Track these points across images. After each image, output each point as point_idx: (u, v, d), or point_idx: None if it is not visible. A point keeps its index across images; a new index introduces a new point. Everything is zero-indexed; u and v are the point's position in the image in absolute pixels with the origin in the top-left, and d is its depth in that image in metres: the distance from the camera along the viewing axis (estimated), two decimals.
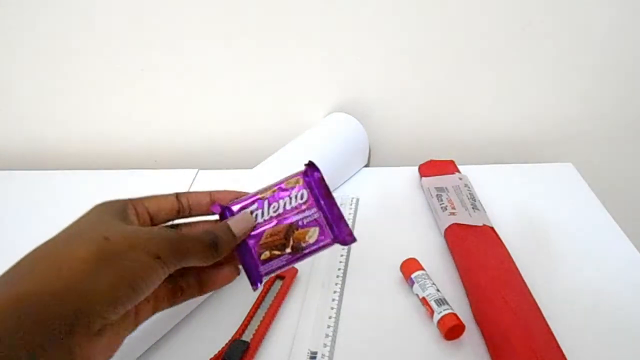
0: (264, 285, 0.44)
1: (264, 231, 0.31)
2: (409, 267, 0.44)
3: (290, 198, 0.32)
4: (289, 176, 0.33)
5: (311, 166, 0.33)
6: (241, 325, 0.40)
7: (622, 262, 0.46)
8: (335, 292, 0.44)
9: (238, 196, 0.33)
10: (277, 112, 0.64)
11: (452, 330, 0.38)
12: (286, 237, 0.32)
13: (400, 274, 0.45)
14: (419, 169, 0.58)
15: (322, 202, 0.31)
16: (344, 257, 0.48)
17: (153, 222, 0.33)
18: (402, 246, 0.48)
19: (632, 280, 0.44)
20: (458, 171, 0.57)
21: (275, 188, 0.33)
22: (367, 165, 0.63)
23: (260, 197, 0.33)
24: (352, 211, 0.54)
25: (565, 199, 0.55)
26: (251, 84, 0.62)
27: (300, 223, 0.31)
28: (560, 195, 0.56)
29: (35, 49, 0.60)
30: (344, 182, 0.59)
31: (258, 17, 0.56)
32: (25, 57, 0.61)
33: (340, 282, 0.45)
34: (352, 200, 0.56)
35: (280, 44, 0.58)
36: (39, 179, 0.64)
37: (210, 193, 0.34)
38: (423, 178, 0.57)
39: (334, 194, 0.56)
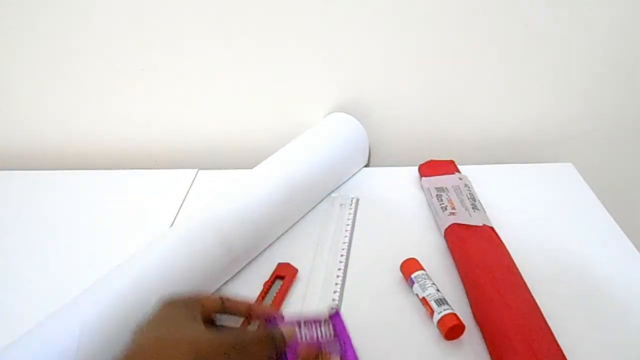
0: (264, 285, 0.44)
1: (299, 348, 0.35)
2: (409, 267, 0.44)
3: (320, 330, 0.36)
4: (318, 316, 0.37)
5: (335, 313, 0.37)
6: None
7: (622, 262, 0.46)
8: (335, 292, 0.44)
9: (272, 313, 0.37)
10: (277, 112, 0.64)
11: (452, 330, 0.38)
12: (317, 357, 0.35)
13: (400, 274, 0.45)
14: (419, 169, 0.58)
15: (342, 340, 0.36)
16: (344, 257, 0.48)
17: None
18: (402, 246, 0.48)
19: (632, 280, 0.44)
20: (458, 171, 0.57)
21: (309, 317, 0.37)
22: (367, 165, 0.63)
23: (297, 322, 0.36)
24: (352, 211, 0.54)
25: (565, 199, 0.55)
26: (251, 84, 0.62)
27: (328, 349, 0.36)
28: (560, 195, 0.56)
29: (35, 49, 0.60)
30: (344, 182, 0.59)
31: (258, 17, 0.56)
32: (25, 58, 0.61)
33: (340, 282, 0.45)
34: (352, 200, 0.56)
35: (280, 44, 0.58)
36: (39, 179, 0.64)
37: (250, 305, 0.37)
38: (423, 178, 0.57)
39: (334, 194, 0.57)
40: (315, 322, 0.36)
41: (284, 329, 0.35)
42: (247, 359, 0.31)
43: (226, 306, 0.36)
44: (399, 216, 0.54)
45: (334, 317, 0.37)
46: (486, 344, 0.38)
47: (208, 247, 0.43)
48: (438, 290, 0.41)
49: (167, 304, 0.33)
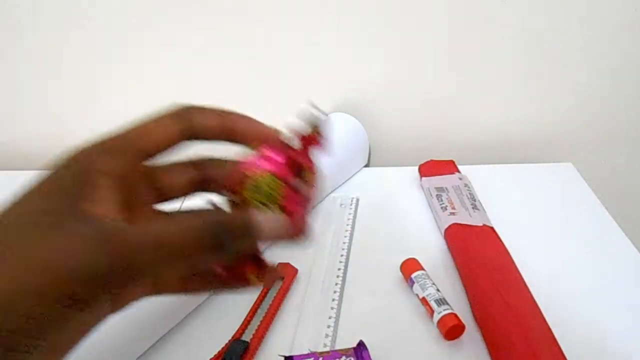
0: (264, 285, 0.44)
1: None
2: (409, 267, 0.44)
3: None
4: (343, 348, 0.36)
5: (361, 345, 0.36)
6: (241, 325, 0.40)
7: (622, 262, 0.46)
8: (335, 292, 0.44)
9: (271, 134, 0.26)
10: (278, 112, 0.64)
11: (452, 330, 0.38)
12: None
13: (400, 274, 0.45)
14: (419, 169, 0.58)
15: None
16: (344, 257, 0.48)
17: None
18: (402, 246, 0.48)
19: (632, 280, 0.44)
20: (458, 171, 0.57)
21: (330, 352, 0.35)
22: (367, 165, 0.63)
23: (318, 354, 0.34)
24: (352, 211, 0.54)
25: (565, 199, 0.55)
26: (251, 84, 0.62)
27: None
28: (560, 195, 0.56)
29: (35, 49, 0.60)
30: (344, 182, 0.59)
31: (258, 17, 0.56)
32: (25, 57, 0.61)
33: (340, 282, 0.45)
34: (352, 200, 0.56)
35: (280, 44, 0.58)
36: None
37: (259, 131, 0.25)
38: (423, 178, 0.57)
39: (334, 194, 0.57)
40: (338, 355, 0.35)
41: (263, 217, 0.22)
42: (120, 273, 0.19)
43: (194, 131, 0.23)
44: (399, 216, 0.54)
45: (358, 351, 0.36)
46: (486, 344, 0.38)
47: None
48: (438, 290, 0.41)
49: (59, 164, 0.22)
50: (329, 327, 0.40)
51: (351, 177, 0.60)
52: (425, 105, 0.63)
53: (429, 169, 0.57)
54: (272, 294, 0.43)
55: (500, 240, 0.46)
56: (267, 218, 0.23)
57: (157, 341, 0.40)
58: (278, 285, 0.45)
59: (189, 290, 0.26)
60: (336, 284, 0.45)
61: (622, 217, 0.52)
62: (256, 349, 0.39)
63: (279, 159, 0.24)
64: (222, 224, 0.21)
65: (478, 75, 0.60)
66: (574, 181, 0.58)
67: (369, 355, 0.36)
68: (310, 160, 0.25)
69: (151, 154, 0.23)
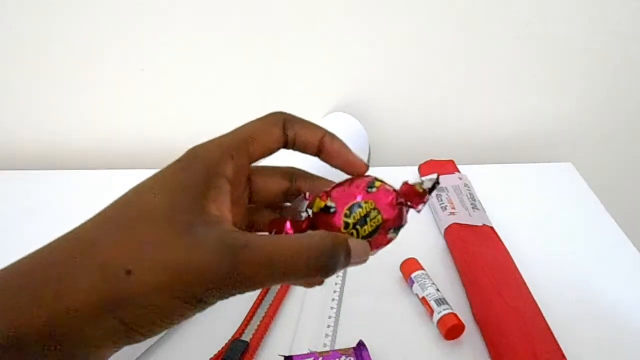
0: None
1: None
2: (409, 267, 0.44)
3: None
4: (344, 348, 0.36)
5: (361, 345, 0.36)
6: (241, 325, 0.40)
7: (622, 262, 0.46)
8: (335, 292, 0.44)
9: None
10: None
11: (452, 330, 0.38)
12: None
13: (400, 274, 0.45)
14: (419, 169, 0.58)
15: None
16: None
17: (252, 201, 0.25)
18: (402, 246, 0.48)
19: (632, 280, 0.44)
20: (458, 171, 0.57)
21: (330, 352, 0.35)
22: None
23: (318, 354, 0.35)
24: None
25: (565, 199, 0.55)
26: (251, 84, 0.62)
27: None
28: (560, 195, 0.56)
29: (34, 49, 0.60)
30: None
31: (258, 17, 0.56)
32: (25, 58, 0.61)
33: (340, 282, 0.45)
34: None
35: (281, 44, 0.58)
36: (39, 179, 0.64)
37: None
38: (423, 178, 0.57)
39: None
40: (338, 355, 0.35)
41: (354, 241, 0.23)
42: (235, 285, 0.20)
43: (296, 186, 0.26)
44: None
45: (358, 351, 0.36)
46: (486, 344, 0.38)
47: None
48: (438, 290, 0.41)
49: (181, 162, 0.23)
50: (329, 327, 0.40)
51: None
52: (425, 106, 0.63)
53: (429, 169, 0.57)
54: (272, 294, 0.43)
55: (500, 240, 0.46)
56: (357, 244, 0.24)
57: (158, 341, 0.40)
58: (278, 285, 0.45)
59: None
60: (336, 284, 0.45)
61: (622, 217, 0.52)
62: (256, 349, 0.39)
63: (389, 199, 0.26)
64: (328, 249, 0.22)
65: (478, 76, 0.60)
66: (574, 181, 0.58)
67: (368, 355, 0.36)
68: (402, 219, 0.27)
69: (257, 158, 0.25)
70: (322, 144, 0.27)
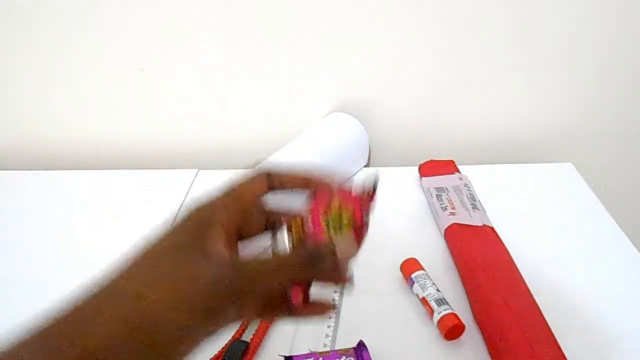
0: None
1: None
2: (409, 267, 0.44)
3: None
4: (344, 348, 0.37)
5: (361, 345, 0.37)
6: (241, 325, 0.40)
7: (622, 262, 0.46)
8: (335, 292, 0.44)
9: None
10: (278, 112, 0.64)
11: (452, 330, 0.38)
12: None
13: (400, 274, 0.45)
14: (419, 169, 0.58)
15: None
16: None
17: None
18: (402, 246, 0.48)
19: (632, 280, 0.44)
20: (458, 171, 0.57)
21: (330, 352, 0.36)
22: (367, 165, 0.63)
23: (318, 354, 0.36)
24: None
25: (565, 199, 0.55)
26: (251, 84, 0.62)
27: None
28: (560, 195, 0.56)
29: (34, 49, 0.60)
30: (344, 182, 0.59)
31: (258, 17, 0.56)
32: (25, 58, 0.61)
33: None
34: None
35: (281, 44, 0.58)
36: (39, 179, 0.64)
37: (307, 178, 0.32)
38: (423, 178, 0.57)
39: None
40: (338, 355, 0.35)
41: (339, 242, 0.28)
42: (245, 298, 0.24)
43: (276, 185, 0.30)
44: (399, 216, 0.54)
45: (359, 351, 0.36)
46: (486, 344, 0.38)
47: None
48: (438, 290, 0.41)
49: (183, 219, 0.27)
50: (329, 327, 0.40)
51: (351, 177, 0.60)
52: (425, 106, 0.63)
53: (429, 169, 0.57)
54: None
55: (500, 240, 0.46)
56: (341, 240, 0.29)
57: None
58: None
59: (265, 316, 0.32)
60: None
61: (622, 217, 0.52)
62: (256, 349, 0.39)
63: (356, 201, 0.31)
64: (310, 247, 0.28)
65: (478, 76, 0.60)
66: (574, 181, 0.58)
67: (368, 355, 0.36)
68: (368, 210, 0.32)
69: (247, 209, 0.30)
70: (303, 186, 0.32)
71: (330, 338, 0.39)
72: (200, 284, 0.24)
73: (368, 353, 0.36)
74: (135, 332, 0.22)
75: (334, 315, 0.41)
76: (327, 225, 0.30)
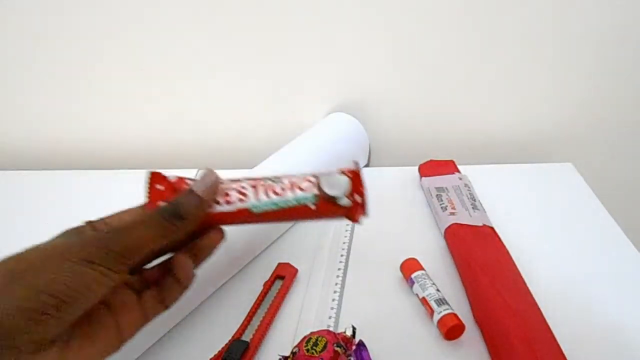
0: (264, 285, 0.44)
1: None
2: (409, 267, 0.44)
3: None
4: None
5: (361, 345, 0.37)
6: (241, 325, 0.40)
7: (622, 262, 0.46)
8: (335, 292, 0.44)
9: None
10: (278, 112, 0.64)
11: (452, 330, 0.38)
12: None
13: (400, 274, 0.45)
14: (419, 169, 0.58)
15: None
16: (344, 257, 0.48)
17: None
18: (402, 246, 0.48)
19: (632, 280, 0.44)
20: (458, 171, 0.57)
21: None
22: (367, 165, 0.63)
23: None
24: None
25: (565, 199, 0.55)
26: (251, 84, 0.62)
27: None
28: (560, 195, 0.56)
29: (34, 49, 0.60)
30: None
31: (258, 17, 0.56)
32: (24, 58, 0.61)
33: (340, 282, 0.45)
34: None
35: (281, 44, 0.58)
36: (39, 179, 0.64)
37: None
38: (423, 178, 0.57)
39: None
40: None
41: (196, 181, 0.29)
42: (121, 251, 0.26)
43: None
44: (399, 216, 0.54)
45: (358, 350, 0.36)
46: (486, 344, 0.38)
47: None
48: (438, 290, 0.41)
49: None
50: (329, 327, 0.40)
51: None
52: (425, 106, 0.63)
53: (429, 169, 0.57)
54: (272, 294, 0.43)
55: (500, 240, 0.46)
56: (196, 181, 0.30)
57: (158, 341, 0.40)
58: (278, 285, 0.45)
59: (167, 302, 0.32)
60: (336, 284, 0.45)
61: (622, 217, 0.52)
62: (256, 349, 0.39)
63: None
64: (174, 204, 0.29)
65: (478, 76, 0.60)
66: (574, 181, 0.58)
67: (368, 355, 0.36)
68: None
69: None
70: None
71: None
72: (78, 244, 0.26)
73: (368, 353, 0.36)
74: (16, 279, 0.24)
75: (334, 316, 0.41)
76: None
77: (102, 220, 0.30)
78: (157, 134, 0.67)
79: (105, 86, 0.63)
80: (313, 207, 0.30)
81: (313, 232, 0.51)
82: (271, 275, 0.45)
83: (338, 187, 0.30)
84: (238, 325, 0.40)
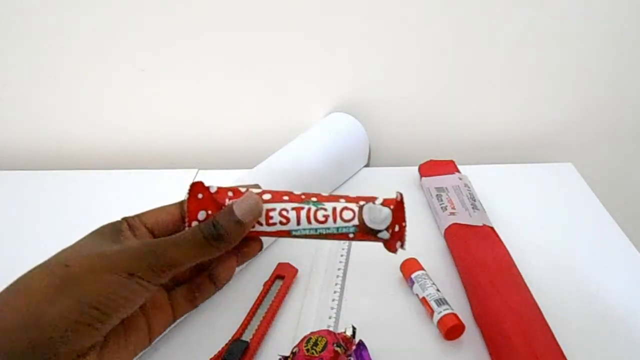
0: (264, 285, 0.44)
1: None
2: (409, 267, 0.44)
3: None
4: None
5: (361, 345, 0.36)
6: (241, 325, 0.40)
7: (622, 262, 0.46)
8: (335, 292, 0.44)
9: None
10: (277, 112, 0.64)
11: (452, 330, 0.38)
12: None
13: (400, 274, 0.45)
14: (419, 169, 0.58)
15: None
16: (344, 257, 0.48)
17: (155, 236, 0.31)
18: None
19: (632, 280, 0.44)
20: (458, 171, 0.57)
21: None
22: (367, 165, 0.63)
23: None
24: None
25: (565, 199, 0.55)
26: (251, 84, 0.62)
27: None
28: (560, 195, 0.56)
29: (34, 49, 0.60)
30: (344, 182, 0.59)
31: (258, 17, 0.56)
32: (25, 58, 0.61)
33: (340, 282, 0.45)
34: None
35: (281, 44, 0.58)
36: (39, 179, 0.64)
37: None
38: (423, 178, 0.57)
39: (334, 194, 0.57)
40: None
41: (237, 201, 0.29)
42: (160, 265, 0.26)
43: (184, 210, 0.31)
44: None
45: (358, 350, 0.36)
46: (486, 344, 0.38)
47: None
48: (438, 290, 0.41)
49: (91, 231, 0.29)
50: (329, 327, 0.40)
51: (351, 177, 0.60)
52: (426, 105, 0.63)
53: (429, 169, 0.57)
54: (272, 294, 0.44)
55: (500, 240, 0.46)
56: (238, 201, 0.30)
57: (158, 341, 0.40)
58: (278, 285, 0.45)
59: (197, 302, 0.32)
60: (336, 284, 0.45)
61: (622, 217, 0.52)
62: (256, 349, 0.39)
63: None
64: (214, 224, 0.29)
65: (478, 76, 0.60)
66: (574, 181, 0.58)
67: (368, 355, 0.36)
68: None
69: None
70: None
71: None
72: (122, 253, 0.27)
73: (368, 353, 0.36)
74: (64, 291, 0.24)
75: (334, 316, 0.41)
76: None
77: (139, 218, 0.30)
78: (157, 134, 0.67)
79: (106, 86, 0.62)
80: (352, 235, 0.30)
81: None
82: (271, 275, 0.45)
83: (380, 222, 0.30)
84: (238, 325, 0.40)
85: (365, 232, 0.30)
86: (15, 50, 0.60)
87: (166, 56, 0.60)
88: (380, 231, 0.29)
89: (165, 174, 0.64)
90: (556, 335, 0.36)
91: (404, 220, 0.29)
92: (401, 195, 0.30)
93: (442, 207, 0.51)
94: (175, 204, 0.32)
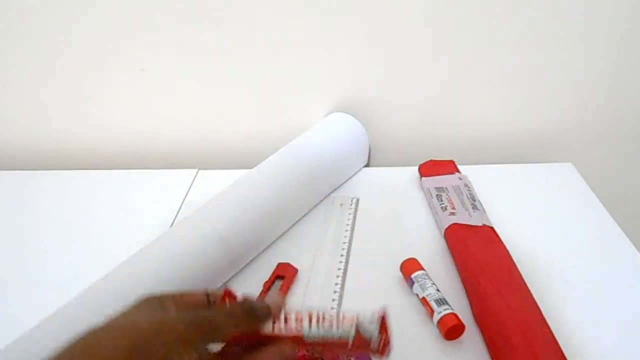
0: (264, 285, 0.44)
1: None
2: (409, 267, 0.44)
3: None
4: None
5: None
6: None
7: (622, 262, 0.46)
8: (335, 292, 0.44)
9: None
10: (278, 112, 0.64)
11: (452, 330, 0.38)
12: None
13: (400, 274, 0.45)
14: (419, 169, 0.58)
15: None
16: (344, 257, 0.48)
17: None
18: (402, 246, 0.48)
19: (632, 280, 0.44)
20: (458, 171, 0.57)
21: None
22: (367, 165, 0.63)
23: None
24: (352, 211, 0.54)
25: (565, 199, 0.55)
26: (251, 84, 0.62)
27: None
28: (560, 195, 0.56)
29: (35, 49, 0.60)
30: (344, 182, 0.59)
31: (258, 17, 0.56)
32: (25, 58, 0.61)
33: (340, 282, 0.45)
34: (352, 200, 0.56)
35: (281, 44, 0.58)
36: (39, 179, 0.64)
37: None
38: (423, 178, 0.57)
39: (334, 194, 0.57)
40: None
41: (268, 296, 0.31)
42: (206, 332, 0.27)
43: (210, 299, 0.32)
44: (399, 216, 0.54)
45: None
46: (486, 344, 0.38)
47: (208, 247, 0.43)
48: (438, 290, 0.41)
49: (138, 298, 0.30)
50: None
51: (351, 177, 0.60)
52: (426, 106, 0.63)
53: (429, 169, 0.57)
54: (272, 293, 0.43)
55: (500, 240, 0.46)
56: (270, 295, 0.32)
57: None
58: (278, 285, 0.45)
59: None
60: (336, 284, 0.45)
61: (622, 217, 0.52)
62: None
63: None
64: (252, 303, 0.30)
65: (478, 76, 0.60)
66: (574, 181, 0.58)
67: (369, 356, 0.36)
68: None
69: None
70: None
71: None
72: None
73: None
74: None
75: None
76: None
77: (173, 298, 0.31)
78: (157, 134, 0.67)
79: (106, 86, 0.62)
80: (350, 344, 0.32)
81: (313, 232, 0.51)
82: (271, 275, 0.45)
83: (371, 335, 0.32)
84: None
85: (360, 341, 0.32)
86: (15, 50, 0.60)
87: (166, 56, 0.60)
88: (373, 343, 0.32)
89: (165, 174, 0.64)
90: (556, 335, 0.36)
91: (389, 331, 0.32)
92: (384, 309, 0.32)
93: (442, 207, 0.51)
94: (202, 292, 0.33)
